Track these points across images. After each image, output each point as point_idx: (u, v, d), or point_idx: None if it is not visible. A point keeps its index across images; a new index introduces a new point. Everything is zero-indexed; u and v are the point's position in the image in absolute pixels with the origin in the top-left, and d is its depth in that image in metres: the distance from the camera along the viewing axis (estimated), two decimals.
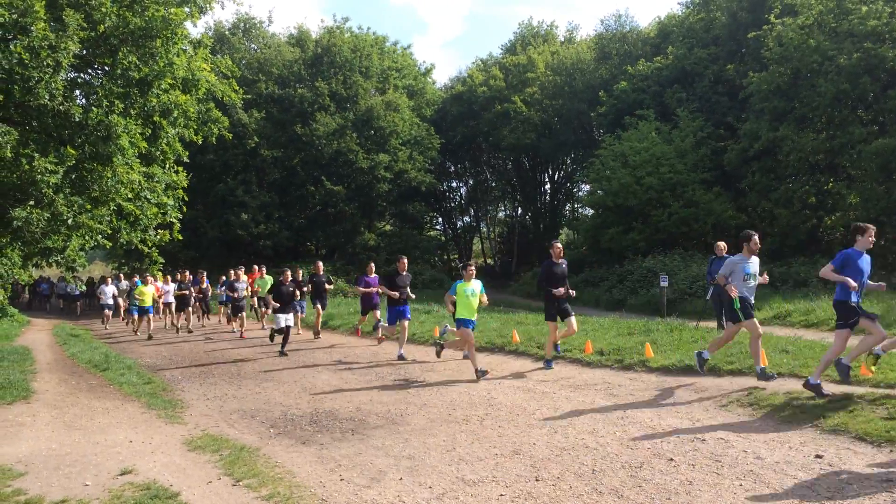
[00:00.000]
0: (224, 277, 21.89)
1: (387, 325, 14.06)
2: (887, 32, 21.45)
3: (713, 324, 14.30)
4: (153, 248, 14.34)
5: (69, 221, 11.96)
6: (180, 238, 15.86)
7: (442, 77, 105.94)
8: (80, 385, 11.72)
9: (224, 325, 21.28)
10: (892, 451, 5.92)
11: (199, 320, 22.39)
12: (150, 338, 18.28)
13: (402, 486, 6.02)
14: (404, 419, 8.37)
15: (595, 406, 8.36)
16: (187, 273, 21.97)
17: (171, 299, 20.62)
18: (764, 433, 6.75)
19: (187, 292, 20.35)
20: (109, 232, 13.36)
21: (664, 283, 20.24)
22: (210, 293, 22.62)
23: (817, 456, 5.93)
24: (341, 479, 6.28)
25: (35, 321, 24.75)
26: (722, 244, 14.16)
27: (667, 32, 36.23)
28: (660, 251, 26.86)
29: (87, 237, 12.69)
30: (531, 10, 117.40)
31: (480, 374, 10.53)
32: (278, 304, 14.11)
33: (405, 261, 13.86)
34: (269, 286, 16.74)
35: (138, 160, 12.33)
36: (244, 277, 19.65)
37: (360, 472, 6.47)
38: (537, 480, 5.89)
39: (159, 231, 14.31)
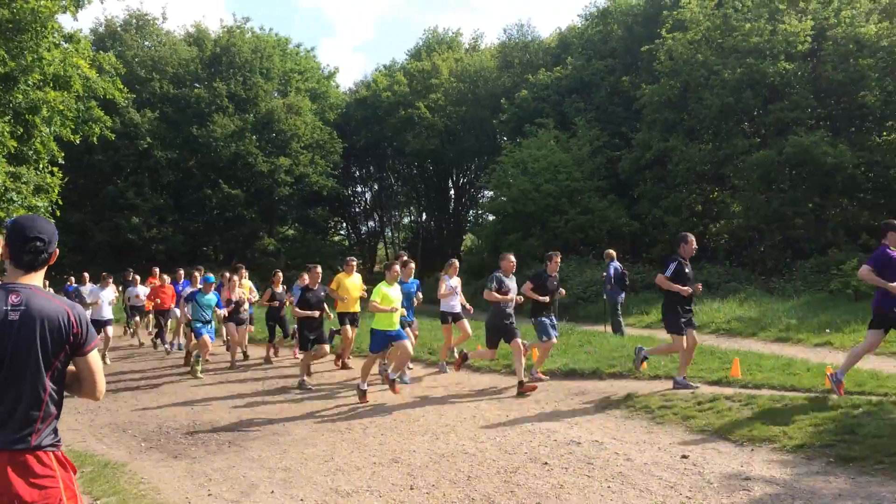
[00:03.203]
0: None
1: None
2: (768, 49, 22.62)
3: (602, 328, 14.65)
4: None
5: None
6: None
7: (349, 81, 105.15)
8: None
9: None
10: (752, 450, 6.16)
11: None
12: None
13: (274, 499, 5.81)
14: (286, 429, 8.13)
15: (480, 411, 8.36)
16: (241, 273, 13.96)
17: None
18: (636, 435, 6.90)
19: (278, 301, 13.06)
20: None
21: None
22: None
23: (683, 456, 6.10)
24: (209, 495, 6.01)
25: None
26: (611, 251, 14.55)
27: (567, 43, 37.08)
28: None
29: None
30: (441, 17, 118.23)
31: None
32: None
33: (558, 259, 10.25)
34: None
35: (5, 160, 11.50)
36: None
37: (230, 486, 6.20)
38: (412, 489, 5.80)
39: None
